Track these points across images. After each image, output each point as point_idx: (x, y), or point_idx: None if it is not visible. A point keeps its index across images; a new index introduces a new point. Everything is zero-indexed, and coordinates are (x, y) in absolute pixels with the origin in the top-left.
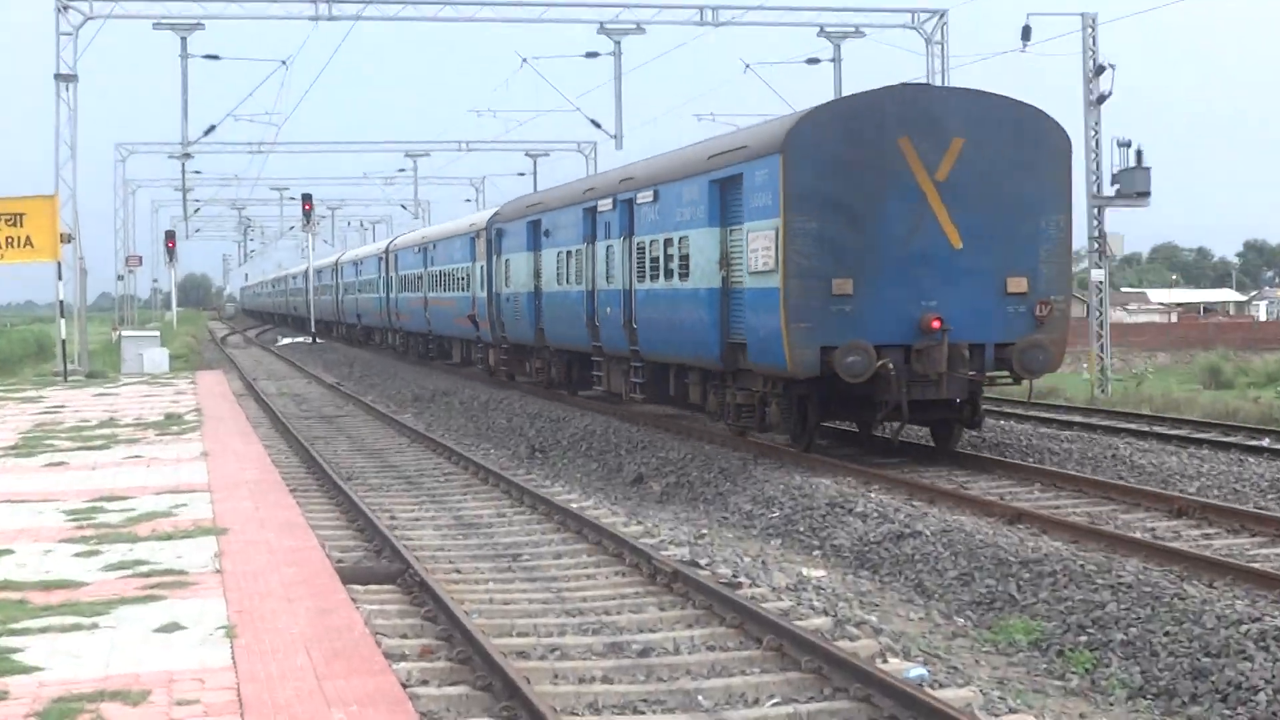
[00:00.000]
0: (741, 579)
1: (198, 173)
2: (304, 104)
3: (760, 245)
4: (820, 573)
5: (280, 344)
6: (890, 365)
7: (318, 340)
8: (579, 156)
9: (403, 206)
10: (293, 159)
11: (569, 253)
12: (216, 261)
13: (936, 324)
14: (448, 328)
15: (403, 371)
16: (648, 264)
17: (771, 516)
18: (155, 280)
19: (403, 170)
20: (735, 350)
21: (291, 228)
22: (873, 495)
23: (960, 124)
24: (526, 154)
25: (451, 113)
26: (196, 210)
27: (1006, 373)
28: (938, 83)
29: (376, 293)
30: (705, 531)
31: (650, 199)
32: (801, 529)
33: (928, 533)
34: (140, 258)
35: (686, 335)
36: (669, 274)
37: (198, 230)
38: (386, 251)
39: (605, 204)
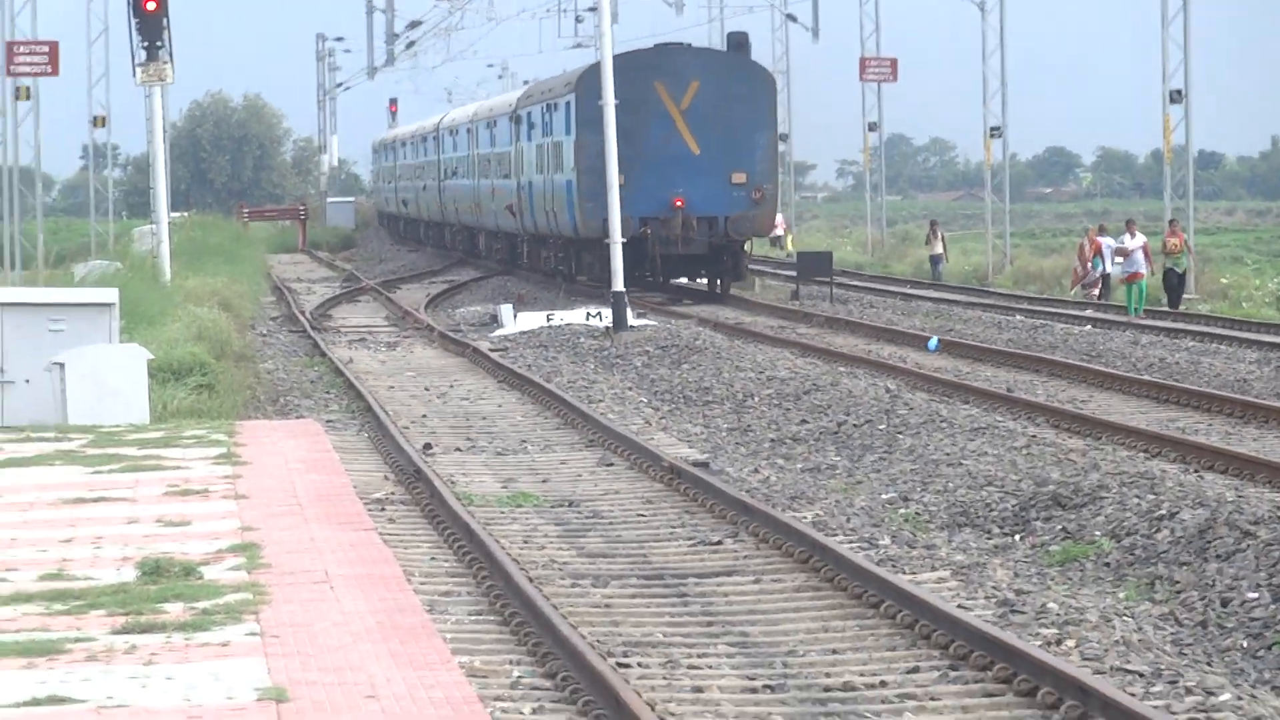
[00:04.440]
0: None
1: None
2: None
3: (569, 153)
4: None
5: (501, 332)
6: (648, 230)
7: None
8: None
9: None
10: None
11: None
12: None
13: (679, 203)
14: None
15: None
16: (546, 159)
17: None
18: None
19: None
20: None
21: None
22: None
23: (697, 71)
24: None
25: None
26: None
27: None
28: None
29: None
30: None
31: (547, 108)
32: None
33: None
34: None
35: (561, 212)
36: (555, 168)
37: None
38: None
39: (534, 108)
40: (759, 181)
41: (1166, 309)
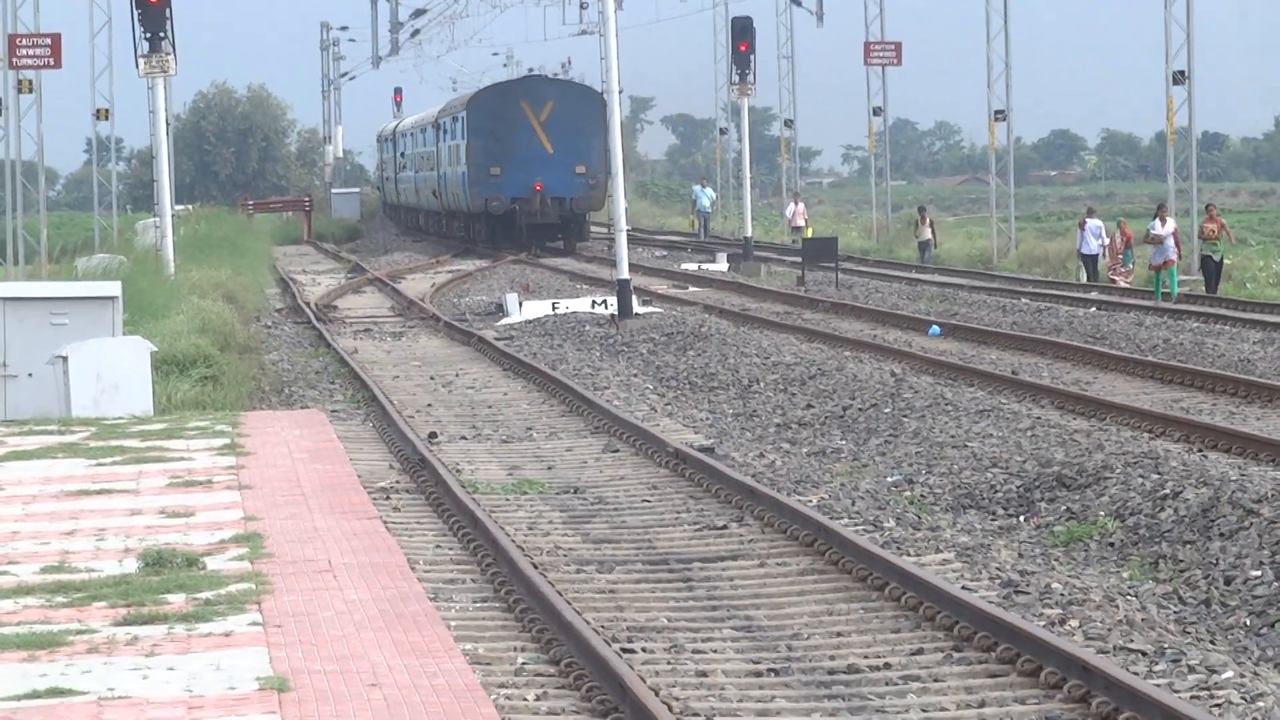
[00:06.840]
0: None
1: None
2: None
3: (464, 151)
4: None
5: (507, 321)
6: (517, 207)
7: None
8: None
9: None
10: None
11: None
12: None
13: (539, 187)
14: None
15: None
16: (452, 156)
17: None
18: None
19: None
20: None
21: None
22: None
23: (551, 94)
24: None
25: None
26: None
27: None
28: None
29: None
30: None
31: (453, 120)
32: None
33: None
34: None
35: (460, 194)
36: (457, 162)
37: None
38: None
39: (446, 119)
40: (595, 172)
41: (1204, 295)
